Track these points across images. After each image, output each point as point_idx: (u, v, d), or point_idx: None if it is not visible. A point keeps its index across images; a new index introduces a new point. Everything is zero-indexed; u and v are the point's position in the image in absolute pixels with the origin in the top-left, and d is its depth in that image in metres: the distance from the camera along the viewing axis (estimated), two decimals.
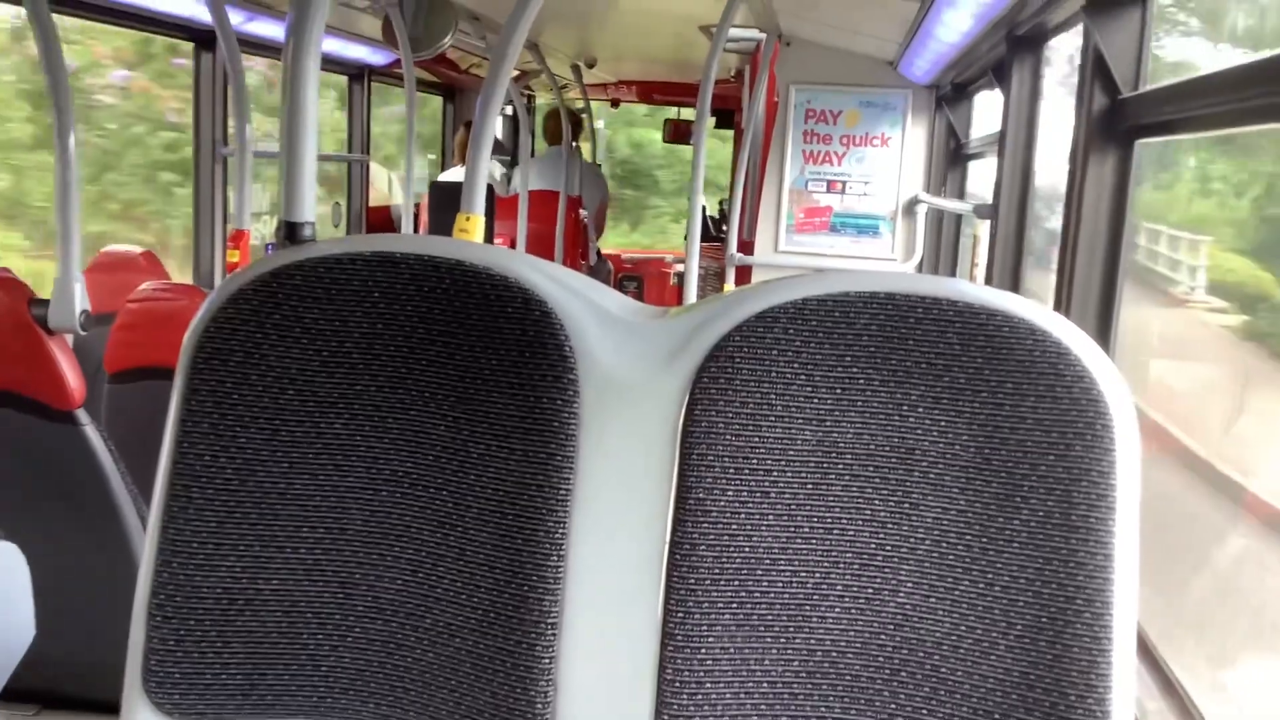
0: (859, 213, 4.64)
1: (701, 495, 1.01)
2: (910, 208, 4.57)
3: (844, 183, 4.63)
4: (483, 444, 1.07)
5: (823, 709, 1.02)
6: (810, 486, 1.01)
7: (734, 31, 3.99)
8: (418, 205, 6.05)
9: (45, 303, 2.38)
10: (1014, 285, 2.91)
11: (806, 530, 1.01)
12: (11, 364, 2.39)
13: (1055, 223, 2.78)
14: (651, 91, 8.66)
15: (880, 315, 1.01)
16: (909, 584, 1.01)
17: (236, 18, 4.15)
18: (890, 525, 1.01)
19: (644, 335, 1.07)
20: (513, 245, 5.86)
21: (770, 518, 1.01)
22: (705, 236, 5.95)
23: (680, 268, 3.84)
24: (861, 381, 1.01)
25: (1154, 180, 2.79)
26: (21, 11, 2.64)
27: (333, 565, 1.09)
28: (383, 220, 6.57)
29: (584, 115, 7.57)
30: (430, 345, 1.08)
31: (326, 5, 1.42)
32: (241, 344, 1.08)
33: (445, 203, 5.44)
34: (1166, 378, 2.69)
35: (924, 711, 1.01)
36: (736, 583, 1.02)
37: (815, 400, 1.01)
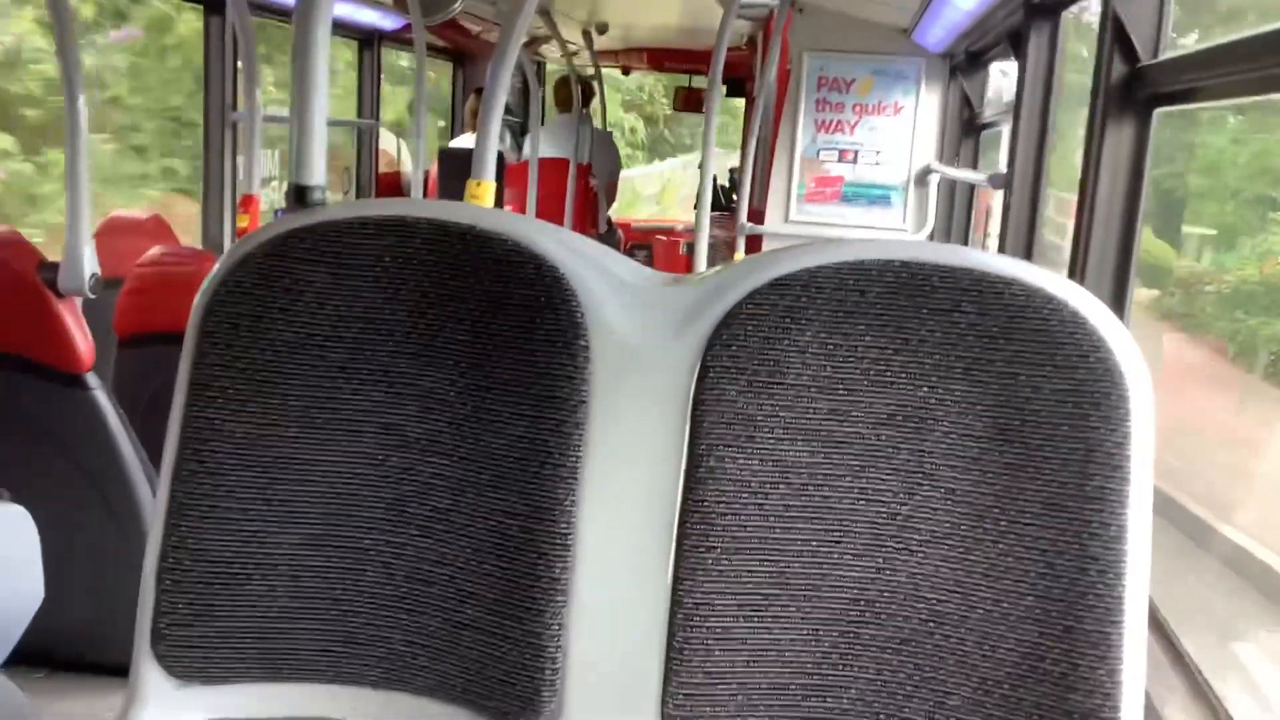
0: (871, 182, 4.61)
1: (713, 463, 1.01)
2: (923, 178, 4.54)
3: (856, 152, 4.60)
4: (493, 409, 1.06)
5: (832, 678, 1.01)
6: (822, 455, 1.01)
7: None
8: (427, 172, 6.03)
9: (54, 266, 2.37)
10: (1027, 255, 2.89)
11: (818, 499, 1.01)
12: (20, 327, 2.39)
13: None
14: (663, 58, 8.59)
15: (894, 284, 1.00)
16: (921, 553, 1.00)
17: None
18: (903, 494, 1.00)
19: (656, 302, 1.07)
20: (523, 213, 5.84)
21: (781, 486, 1.01)
22: (715, 206, 5.92)
23: (691, 237, 3.82)
24: (875, 350, 1.00)
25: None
26: None
27: (342, 530, 1.08)
28: (392, 187, 6.55)
29: (595, 82, 7.53)
30: (441, 310, 1.07)
31: None
32: (251, 308, 1.07)
33: (455, 170, 5.42)
34: None
35: (934, 680, 1.00)
36: (747, 551, 1.01)
37: (828, 369, 1.00)
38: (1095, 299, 0.99)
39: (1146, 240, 2.29)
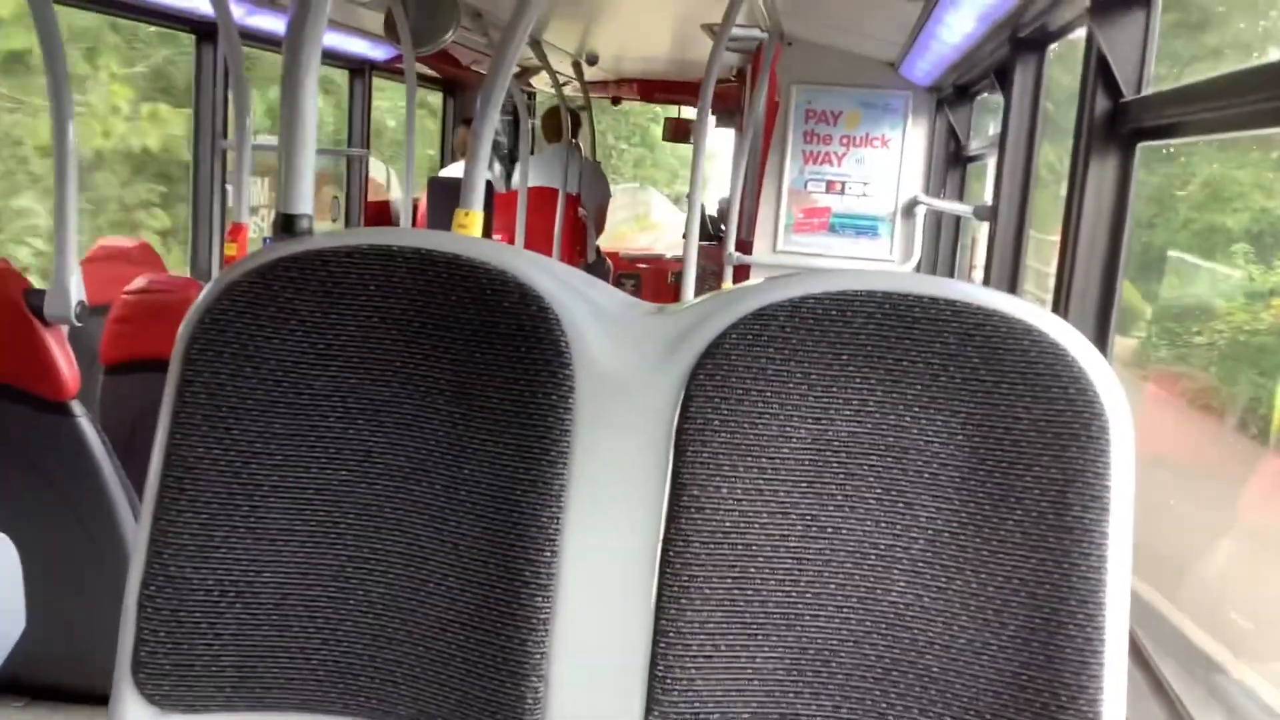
0: (858, 213, 4.64)
1: (695, 492, 1.01)
2: (909, 209, 4.57)
3: (843, 183, 4.63)
4: (477, 439, 1.06)
5: (814, 707, 1.01)
6: (805, 485, 1.01)
7: (736, 30, 3.98)
8: (416, 201, 6.04)
9: (41, 293, 2.37)
10: (1012, 288, 2.90)
11: (800, 528, 1.01)
12: (6, 354, 2.38)
13: None
14: (653, 90, 8.65)
15: (877, 314, 1.00)
16: (902, 583, 1.00)
17: (238, 10, 4.14)
18: (884, 524, 1.01)
19: (640, 331, 1.07)
20: (511, 242, 5.86)
21: (764, 515, 1.01)
22: (704, 236, 5.94)
23: (680, 267, 3.83)
24: (858, 380, 1.00)
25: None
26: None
27: (325, 559, 1.08)
28: (381, 215, 6.56)
29: (584, 113, 7.56)
30: (426, 339, 1.07)
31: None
32: (237, 336, 1.07)
33: (444, 199, 5.44)
34: None
35: (915, 711, 1.00)
36: (729, 580, 1.01)
37: (811, 398, 1.01)
38: (1077, 331, 1.00)
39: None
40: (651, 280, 7.94)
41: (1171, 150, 2.52)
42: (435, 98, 7.70)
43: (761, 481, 1.01)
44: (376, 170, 6.82)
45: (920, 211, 4.55)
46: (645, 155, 16.24)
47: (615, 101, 9.35)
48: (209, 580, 1.06)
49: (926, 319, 0.99)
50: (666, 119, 8.98)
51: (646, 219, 10.70)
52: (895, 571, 1.01)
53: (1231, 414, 2.24)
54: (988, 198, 3.34)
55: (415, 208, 5.88)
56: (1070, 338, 0.98)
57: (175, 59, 6.51)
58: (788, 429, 1.01)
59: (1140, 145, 2.05)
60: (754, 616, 1.01)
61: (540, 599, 1.03)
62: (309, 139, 1.40)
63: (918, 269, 4.52)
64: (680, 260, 3.91)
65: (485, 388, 1.06)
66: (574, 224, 6.67)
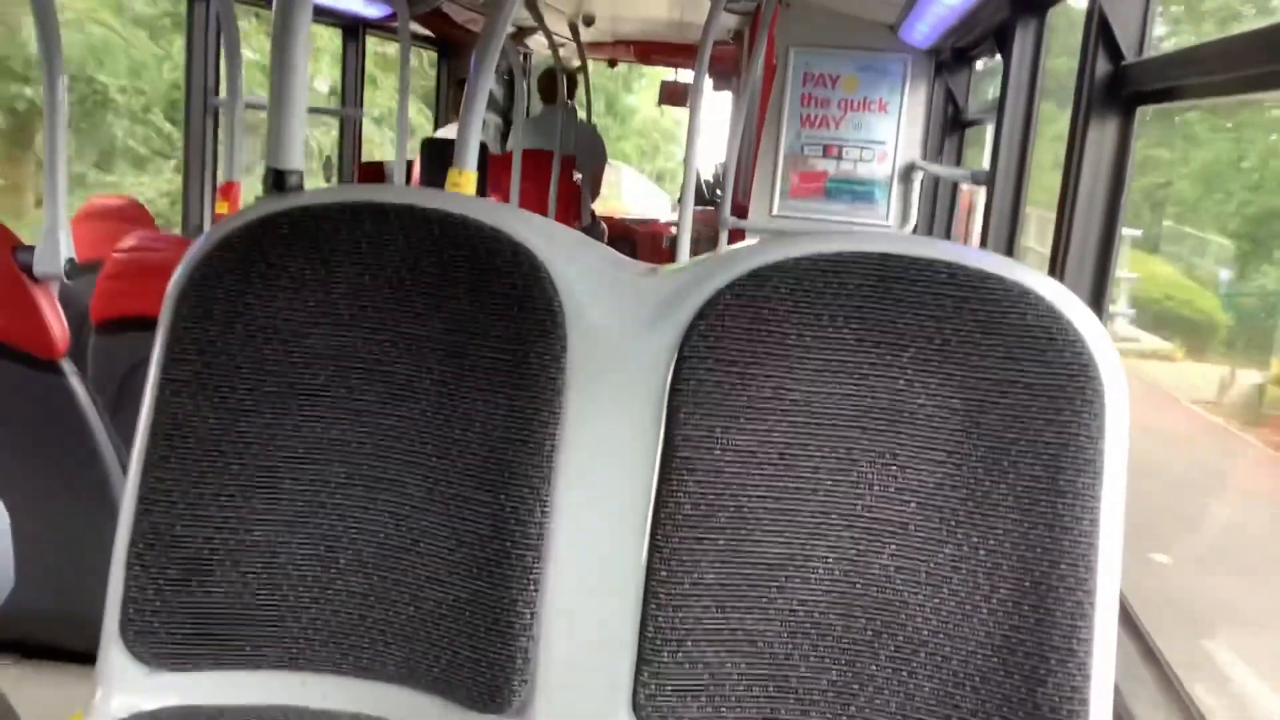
0: (855, 178, 4.61)
1: (688, 453, 1.00)
2: (907, 174, 4.55)
3: (840, 147, 4.60)
4: (469, 397, 1.05)
5: (803, 668, 1.01)
6: (797, 446, 1.00)
7: None
8: (410, 162, 5.99)
9: (30, 249, 2.35)
10: (1009, 251, 2.89)
11: (792, 489, 1.00)
12: None
13: None
14: (649, 52, 8.58)
15: (873, 276, 0.99)
16: (893, 545, 1.00)
17: None
18: (877, 486, 1.00)
19: (634, 291, 1.06)
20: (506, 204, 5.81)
21: (756, 476, 1.00)
22: (699, 200, 5.92)
23: (675, 230, 3.80)
24: (852, 342, 0.99)
25: None
26: None
27: (315, 517, 1.07)
28: (374, 177, 6.52)
29: (580, 75, 7.50)
30: (418, 297, 1.06)
31: None
32: (226, 293, 1.06)
33: (438, 159, 5.39)
34: None
35: (905, 672, 1.00)
36: (721, 541, 1.01)
37: (805, 360, 1.00)
38: (1073, 295, 0.99)
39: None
40: (646, 244, 7.91)
41: None
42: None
43: (754, 443, 1.00)
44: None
45: (918, 176, 4.53)
46: (611, 127, 15.29)
47: (612, 64, 9.28)
48: (198, 538, 1.06)
49: (923, 281, 0.99)
50: (662, 82, 8.91)
51: (616, 201, 10.49)
52: (886, 534, 1.00)
53: None
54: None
55: (409, 169, 5.84)
56: (1067, 301, 0.98)
57: None
58: (781, 390, 1.00)
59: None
60: (745, 577, 1.01)
61: (530, 558, 1.03)
62: (300, 96, 1.39)
63: (915, 233, 4.50)
64: (675, 224, 3.89)
65: (477, 347, 1.05)
66: (569, 187, 6.63)
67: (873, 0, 4.12)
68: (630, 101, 16.87)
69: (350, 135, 6.24)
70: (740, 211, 4.69)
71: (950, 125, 4.38)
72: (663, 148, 18.10)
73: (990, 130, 3.45)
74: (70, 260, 2.36)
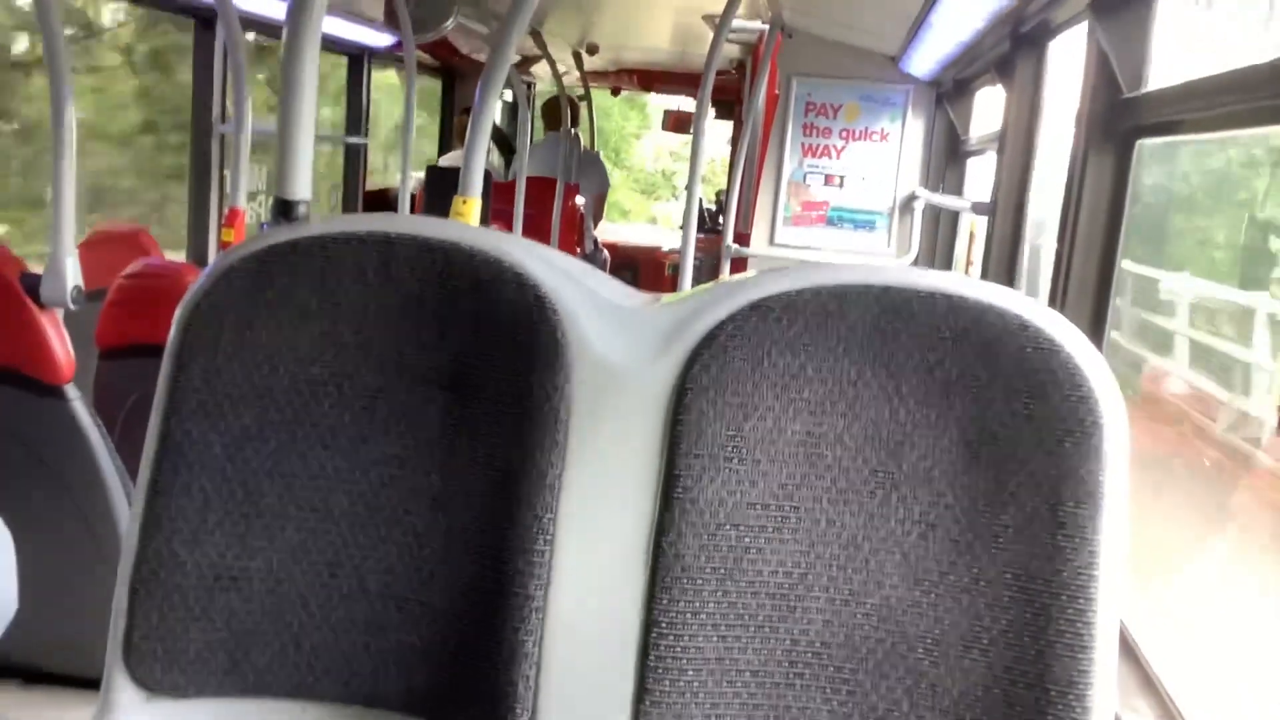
0: (856, 207, 4.64)
1: (689, 483, 1.01)
2: (907, 204, 4.57)
3: (842, 177, 4.62)
4: (472, 426, 1.06)
5: (804, 700, 1.01)
6: (799, 477, 1.01)
7: (737, 22, 3.98)
8: (415, 190, 6.02)
9: (37, 277, 2.36)
10: (1009, 282, 2.90)
11: (793, 521, 1.01)
12: (1, 337, 2.38)
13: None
14: (652, 80, 8.64)
15: (874, 308, 1.00)
16: (894, 577, 1.00)
17: None
18: (877, 518, 1.01)
19: (637, 321, 1.07)
20: (509, 231, 5.84)
21: (757, 508, 1.01)
22: (701, 228, 5.94)
23: (677, 258, 3.83)
24: (853, 373, 1.00)
25: None
26: None
27: (319, 545, 1.08)
28: (380, 204, 6.55)
29: (583, 103, 7.55)
30: (422, 327, 1.07)
31: None
32: (233, 321, 1.07)
33: (442, 187, 5.42)
34: None
35: (906, 705, 1.00)
36: (722, 571, 1.01)
37: (806, 391, 1.00)
38: (1072, 326, 0.99)
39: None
40: (649, 271, 7.93)
41: None
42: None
43: (755, 474, 1.01)
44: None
45: (918, 206, 4.55)
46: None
47: (615, 92, 9.34)
48: (202, 565, 1.06)
49: (924, 313, 0.99)
50: (665, 111, 8.98)
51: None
52: (888, 566, 1.01)
53: None
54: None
55: (414, 196, 5.86)
56: (1067, 334, 0.98)
57: None
58: (783, 422, 1.01)
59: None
60: (746, 608, 1.01)
61: (533, 586, 1.03)
62: (308, 125, 1.40)
63: (916, 263, 4.52)
64: (678, 252, 3.91)
65: (481, 376, 1.06)
66: (572, 214, 6.65)
67: (874, 31, 4.15)
68: (609, 127, 16.29)
69: (356, 163, 6.27)
70: (742, 239, 4.71)
71: (951, 155, 4.40)
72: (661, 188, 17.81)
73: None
74: (77, 287, 2.37)
